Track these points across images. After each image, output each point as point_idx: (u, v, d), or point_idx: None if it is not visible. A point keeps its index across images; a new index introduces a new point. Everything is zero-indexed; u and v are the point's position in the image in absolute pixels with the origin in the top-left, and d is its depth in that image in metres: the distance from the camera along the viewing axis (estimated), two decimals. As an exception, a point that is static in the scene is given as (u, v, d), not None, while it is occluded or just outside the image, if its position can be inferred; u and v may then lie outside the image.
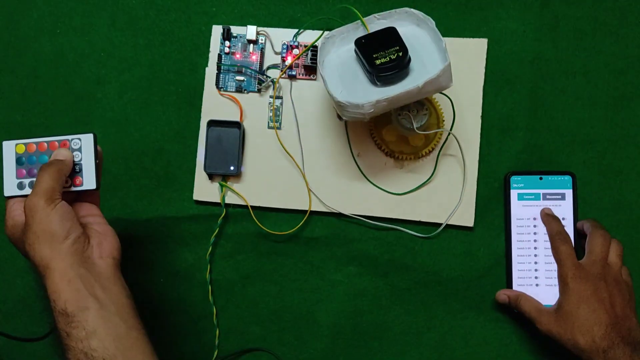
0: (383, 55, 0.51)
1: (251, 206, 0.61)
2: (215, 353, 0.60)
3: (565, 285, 0.54)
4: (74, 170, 0.49)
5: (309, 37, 0.61)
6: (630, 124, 0.61)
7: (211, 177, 0.61)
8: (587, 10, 0.62)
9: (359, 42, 0.52)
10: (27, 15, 0.64)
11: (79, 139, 0.49)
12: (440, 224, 0.60)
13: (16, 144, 0.50)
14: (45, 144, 0.49)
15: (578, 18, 0.62)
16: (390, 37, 0.52)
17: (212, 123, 0.60)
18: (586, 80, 0.61)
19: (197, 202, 0.61)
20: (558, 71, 0.61)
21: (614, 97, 0.61)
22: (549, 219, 0.58)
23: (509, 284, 0.59)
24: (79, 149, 0.49)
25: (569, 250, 0.56)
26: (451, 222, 0.59)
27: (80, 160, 0.49)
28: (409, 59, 0.51)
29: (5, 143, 0.50)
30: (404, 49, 0.51)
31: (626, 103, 0.61)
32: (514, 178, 0.60)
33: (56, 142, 0.49)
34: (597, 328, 0.51)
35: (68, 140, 0.49)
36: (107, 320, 0.42)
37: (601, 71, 0.61)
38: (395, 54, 0.51)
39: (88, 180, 0.49)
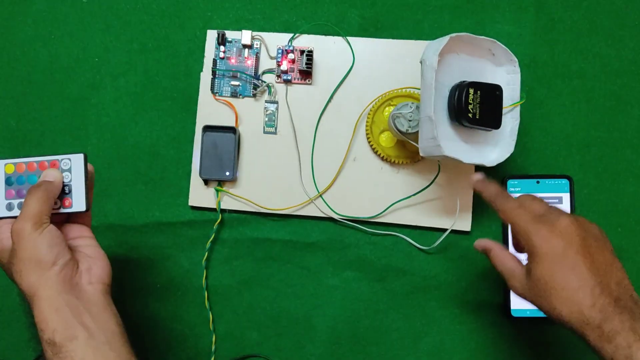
0: (476, 109, 0.50)
1: (247, 211, 0.60)
2: (212, 358, 0.59)
3: (530, 246, 0.43)
4: (64, 192, 0.47)
5: (304, 41, 0.61)
6: (626, 127, 0.61)
7: (207, 182, 0.60)
8: (583, 12, 0.62)
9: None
10: (21, 21, 0.63)
11: (69, 159, 0.48)
12: (436, 228, 0.59)
13: (5, 164, 0.48)
14: (35, 163, 0.48)
15: (574, 21, 0.62)
16: (493, 95, 0.51)
17: (207, 128, 0.60)
18: (582, 83, 0.61)
19: (193, 207, 0.61)
20: (554, 74, 0.61)
21: (610, 100, 0.61)
22: (485, 185, 0.49)
23: (506, 288, 0.59)
24: (69, 170, 0.48)
25: (518, 206, 0.45)
26: (448, 226, 0.59)
27: (70, 181, 0.48)
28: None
29: None
30: (499, 117, 0.51)
31: (623, 106, 0.61)
32: (510, 182, 0.60)
33: (46, 162, 0.48)
34: (583, 294, 0.40)
35: (58, 160, 0.48)
36: (96, 350, 0.41)
37: (597, 74, 0.61)
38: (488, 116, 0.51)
39: (78, 202, 0.48)
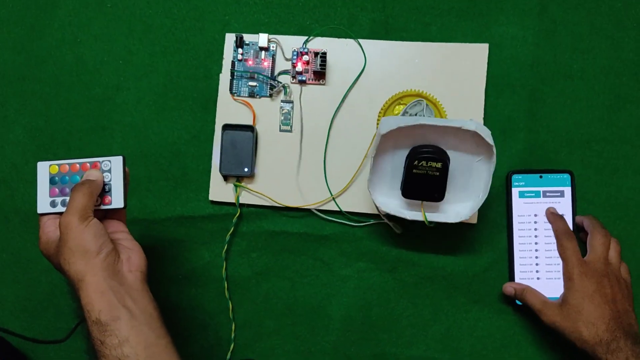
0: (424, 175, 0.54)
1: (264, 206, 0.63)
2: (232, 346, 0.62)
3: (570, 281, 0.57)
4: (104, 190, 0.51)
5: (317, 44, 0.64)
6: (625, 124, 0.63)
7: (226, 178, 0.63)
8: (584, 15, 0.63)
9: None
10: (48, 26, 0.66)
11: (109, 161, 0.51)
12: (446, 223, 0.62)
13: (50, 165, 0.52)
14: (78, 165, 0.52)
15: (575, 23, 0.63)
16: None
17: (226, 127, 0.62)
18: (583, 83, 0.63)
19: (213, 202, 0.64)
20: (556, 74, 0.63)
21: (610, 99, 0.63)
22: (555, 218, 0.61)
23: (511, 278, 0.61)
24: (109, 170, 0.51)
25: (575, 248, 0.58)
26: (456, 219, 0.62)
27: (110, 180, 0.51)
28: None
29: (39, 164, 0.52)
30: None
31: (622, 104, 0.63)
32: (515, 176, 0.62)
33: (87, 164, 0.52)
34: (601, 322, 0.54)
35: (99, 162, 0.52)
36: (138, 329, 0.45)
37: (598, 74, 0.63)
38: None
39: (117, 200, 0.51)
